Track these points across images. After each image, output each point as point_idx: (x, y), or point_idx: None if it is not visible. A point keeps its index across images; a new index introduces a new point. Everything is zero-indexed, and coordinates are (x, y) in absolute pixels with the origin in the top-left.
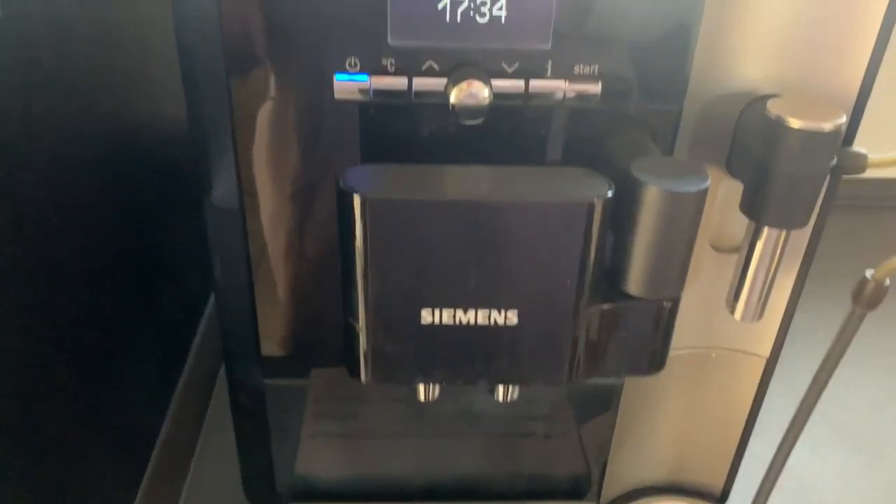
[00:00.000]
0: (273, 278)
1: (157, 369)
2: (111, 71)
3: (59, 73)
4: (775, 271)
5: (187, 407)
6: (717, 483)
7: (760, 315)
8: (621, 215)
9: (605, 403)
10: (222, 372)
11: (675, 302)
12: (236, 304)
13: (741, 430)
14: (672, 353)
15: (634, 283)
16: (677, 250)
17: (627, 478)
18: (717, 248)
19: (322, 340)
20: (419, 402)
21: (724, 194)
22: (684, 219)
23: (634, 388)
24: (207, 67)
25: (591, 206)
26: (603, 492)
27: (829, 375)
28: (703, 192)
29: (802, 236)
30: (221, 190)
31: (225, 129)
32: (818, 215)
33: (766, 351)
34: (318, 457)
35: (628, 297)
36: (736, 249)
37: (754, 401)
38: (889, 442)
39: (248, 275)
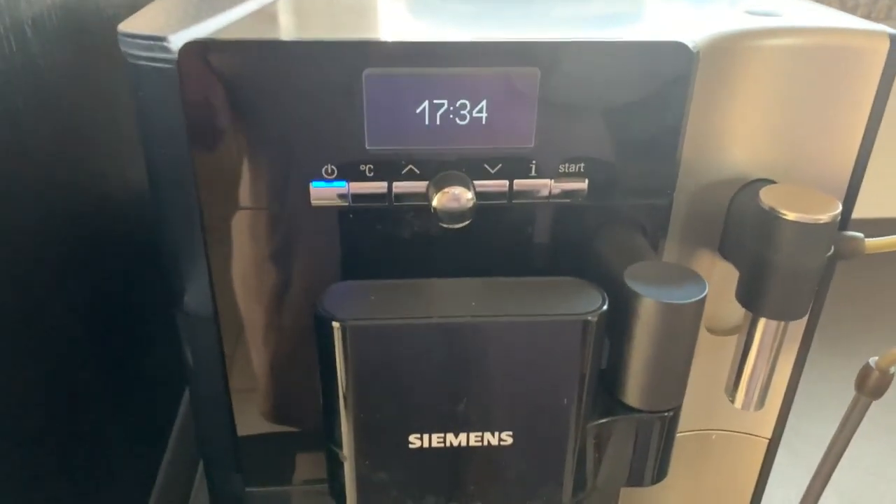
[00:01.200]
0: (251, 387)
1: (133, 469)
2: (87, 164)
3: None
4: (774, 360)
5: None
6: None
7: (762, 404)
8: (616, 324)
9: (604, 495)
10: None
11: (677, 411)
12: (213, 413)
13: None
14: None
15: (634, 394)
16: (676, 361)
17: None
18: (713, 332)
19: (304, 448)
20: None
21: (717, 278)
22: (682, 329)
23: None
24: (175, 176)
25: (587, 324)
26: None
27: (835, 463)
28: (701, 302)
29: (800, 321)
30: (194, 298)
31: (197, 237)
32: (815, 300)
33: (768, 433)
34: None
35: (628, 408)
36: (732, 332)
37: (758, 482)
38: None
39: (226, 386)
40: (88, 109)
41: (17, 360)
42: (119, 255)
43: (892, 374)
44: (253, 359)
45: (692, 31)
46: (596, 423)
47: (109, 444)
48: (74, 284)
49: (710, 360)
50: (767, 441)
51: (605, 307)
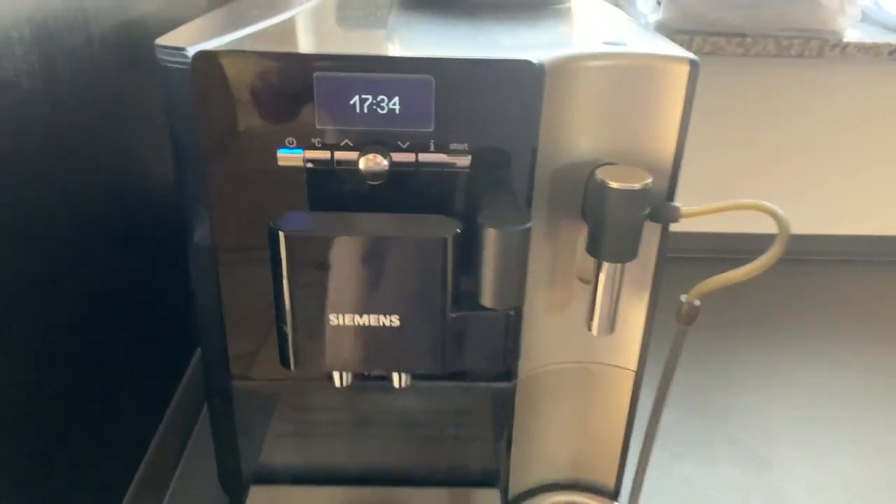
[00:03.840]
0: (238, 303)
1: (155, 383)
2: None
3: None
4: (618, 294)
5: (182, 411)
6: (610, 480)
7: (612, 330)
8: (476, 249)
9: (502, 407)
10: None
11: (518, 311)
12: (211, 324)
13: (623, 434)
14: (558, 366)
15: (486, 297)
16: (513, 272)
17: (533, 475)
18: (583, 281)
19: (275, 352)
20: (353, 409)
21: (583, 237)
22: (513, 249)
23: (529, 394)
24: (189, 151)
25: (445, 241)
26: (512, 487)
27: (669, 381)
28: (525, 231)
29: (647, 267)
30: (199, 232)
31: (201, 188)
32: (658, 252)
33: (634, 365)
34: (274, 450)
35: (484, 308)
36: None
37: (630, 408)
38: (781, 459)
39: (219, 299)
40: (133, 106)
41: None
42: (145, 226)
43: (698, 305)
44: (240, 280)
45: (544, 53)
46: (459, 314)
47: (126, 384)
48: (113, 244)
49: (584, 304)
50: (634, 373)
51: (458, 231)
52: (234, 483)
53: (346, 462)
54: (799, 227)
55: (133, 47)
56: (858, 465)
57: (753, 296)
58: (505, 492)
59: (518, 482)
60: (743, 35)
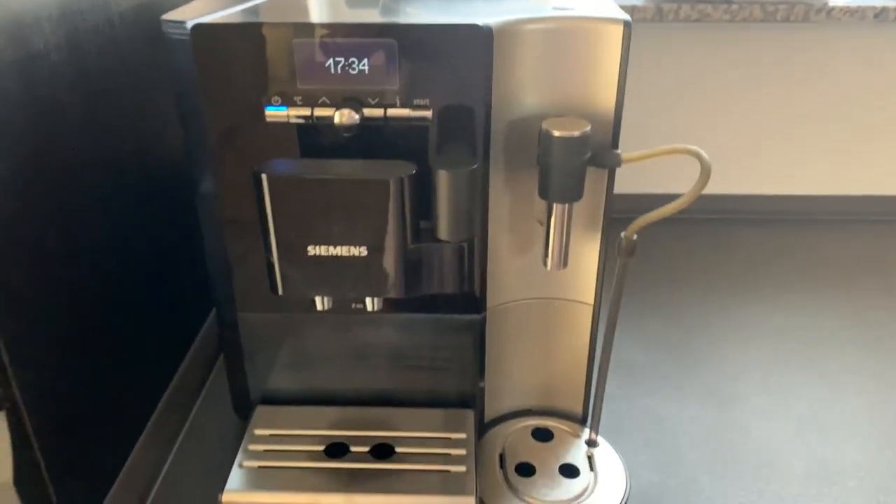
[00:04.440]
0: (240, 249)
1: (179, 320)
2: (137, 116)
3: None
4: (568, 232)
5: (197, 361)
6: (578, 407)
7: (564, 265)
8: (433, 189)
9: (474, 337)
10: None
11: (470, 243)
12: (217, 264)
13: (586, 363)
14: (524, 301)
15: (441, 231)
16: (463, 209)
17: (509, 402)
18: (541, 223)
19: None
20: (343, 338)
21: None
22: (462, 188)
23: (499, 327)
24: (193, 112)
25: (401, 180)
26: (487, 414)
27: (618, 309)
28: (472, 171)
29: (597, 210)
30: (205, 183)
31: (204, 142)
32: (607, 195)
33: (591, 299)
34: (276, 375)
35: (441, 240)
36: None
37: (590, 339)
38: (742, 395)
39: (223, 242)
40: (149, 78)
41: (101, 255)
42: (162, 187)
43: (635, 239)
44: (240, 224)
45: (492, 19)
46: (417, 246)
47: (151, 329)
48: (141, 208)
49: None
50: (591, 306)
51: (413, 172)
52: (245, 406)
53: (340, 387)
54: (787, 188)
55: (148, 25)
56: (813, 400)
57: (736, 255)
58: (480, 414)
59: (494, 409)
60: (729, 2)
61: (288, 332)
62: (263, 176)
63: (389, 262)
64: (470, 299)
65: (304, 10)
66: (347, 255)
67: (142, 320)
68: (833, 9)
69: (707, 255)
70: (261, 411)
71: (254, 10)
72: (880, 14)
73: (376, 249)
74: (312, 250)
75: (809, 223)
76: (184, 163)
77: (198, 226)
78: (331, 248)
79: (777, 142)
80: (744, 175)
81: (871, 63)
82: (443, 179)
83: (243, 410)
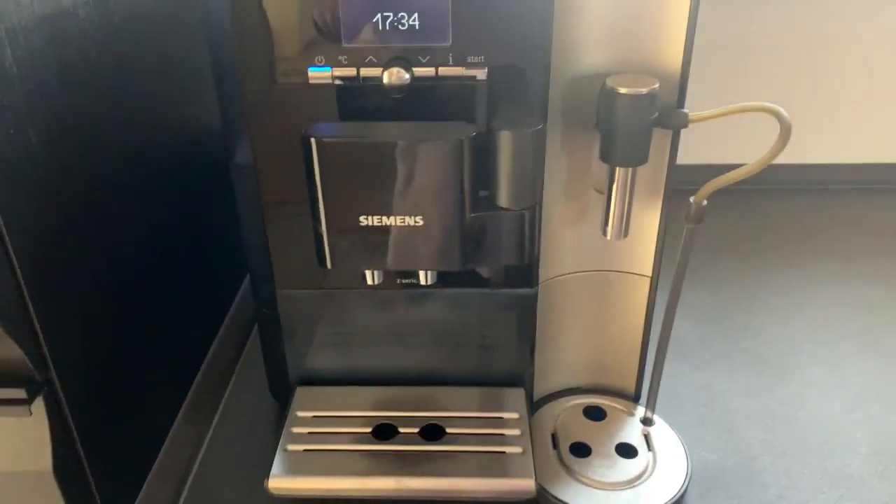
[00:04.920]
0: (279, 221)
1: (210, 300)
2: (169, 90)
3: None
4: (630, 199)
5: (229, 341)
6: (630, 385)
7: (625, 234)
8: (492, 152)
9: (525, 312)
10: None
11: (532, 210)
12: (255, 239)
13: (641, 339)
14: (577, 274)
15: (502, 197)
16: (526, 173)
17: (557, 380)
18: (598, 191)
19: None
20: (388, 315)
21: (598, 150)
22: (526, 150)
23: (550, 302)
24: (229, 76)
25: (461, 143)
26: (537, 390)
27: (682, 278)
28: (537, 132)
29: (659, 176)
30: (242, 152)
31: (241, 107)
32: (669, 160)
33: (649, 272)
34: (316, 355)
35: (501, 208)
36: None
37: (646, 314)
38: (795, 367)
39: (262, 219)
40: (175, 40)
41: (137, 235)
42: (197, 165)
43: (704, 205)
44: (279, 195)
45: None
46: (477, 214)
47: (183, 307)
48: (173, 183)
49: (600, 214)
50: (649, 279)
51: (473, 134)
52: (282, 388)
53: (383, 366)
54: (818, 156)
55: None
56: (870, 372)
57: (775, 224)
58: (530, 393)
59: (542, 387)
60: None
61: (329, 309)
62: (312, 140)
63: (447, 232)
64: (522, 273)
65: None
66: (402, 224)
67: (174, 303)
68: None
69: (746, 225)
70: (301, 392)
71: None
72: None
73: (434, 219)
74: (365, 220)
75: (841, 192)
76: (218, 131)
77: (230, 199)
78: (384, 217)
79: (801, 108)
80: (739, 142)
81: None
82: (505, 141)
83: (281, 392)
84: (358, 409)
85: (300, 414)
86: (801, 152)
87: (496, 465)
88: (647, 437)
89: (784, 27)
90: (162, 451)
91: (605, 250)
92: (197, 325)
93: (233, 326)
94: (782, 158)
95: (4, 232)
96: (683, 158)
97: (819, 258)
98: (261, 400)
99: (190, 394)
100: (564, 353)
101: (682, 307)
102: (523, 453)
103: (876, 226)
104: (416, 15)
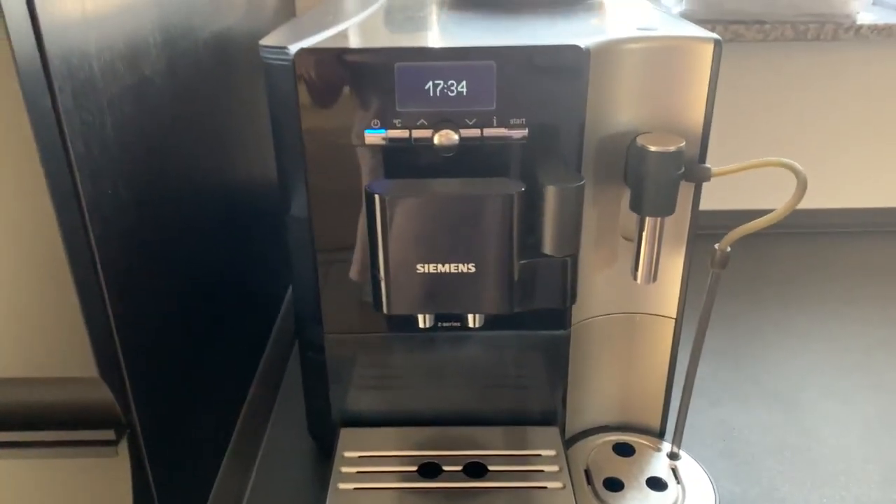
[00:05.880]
0: (330, 267)
1: (248, 344)
2: (227, 137)
3: (195, 142)
4: (659, 245)
5: (272, 366)
6: (656, 422)
7: (654, 279)
8: (538, 206)
9: (559, 353)
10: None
11: (574, 258)
12: (306, 285)
13: (665, 378)
14: (606, 316)
15: (548, 245)
16: (570, 223)
17: (586, 418)
18: (627, 238)
19: (367, 308)
20: (429, 358)
21: (625, 200)
22: (570, 203)
23: (581, 343)
24: (288, 135)
25: (511, 197)
26: (567, 428)
27: (708, 318)
28: (580, 187)
29: (683, 225)
30: (297, 205)
31: (299, 167)
32: (692, 210)
33: (674, 313)
34: (361, 395)
35: (545, 255)
36: None
37: (671, 353)
38: (807, 401)
39: (314, 266)
40: (228, 97)
41: (192, 264)
42: (249, 202)
43: (729, 251)
44: (332, 251)
45: (588, 39)
46: (525, 261)
47: (237, 325)
48: (228, 217)
49: (629, 260)
50: (674, 320)
51: (522, 189)
52: (322, 428)
53: (423, 406)
54: (817, 202)
55: (225, 49)
56: (878, 404)
57: (777, 266)
58: (562, 431)
59: (572, 425)
60: (762, 22)
61: (373, 352)
62: (376, 196)
63: (498, 278)
64: (557, 315)
65: (391, 33)
66: (456, 271)
67: (221, 349)
68: (861, 27)
69: (752, 268)
70: (345, 433)
71: (343, 34)
72: None
73: (485, 266)
74: (422, 268)
75: (839, 235)
76: (269, 182)
77: (275, 248)
78: (440, 265)
79: (809, 154)
80: (781, 191)
81: None
82: (551, 195)
83: (320, 432)
84: (401, 449)
85: (347, 454)
86: (807, 199)
87: (539, 499)
88: (674, 470)
89: (794, 86)
90: (213, 491)
91: (632, 293)
92: (238, 369)
93: (269, 370)
94: (776, 204)
95: (105, 291)
96: (703, 204)
97: (822, 300)
98: (299, 439)
99: (234, 437)
100: (593, 392)
101: (689, 345)
102: (563, 488)
103: (879, 269)
104: (464, 82)
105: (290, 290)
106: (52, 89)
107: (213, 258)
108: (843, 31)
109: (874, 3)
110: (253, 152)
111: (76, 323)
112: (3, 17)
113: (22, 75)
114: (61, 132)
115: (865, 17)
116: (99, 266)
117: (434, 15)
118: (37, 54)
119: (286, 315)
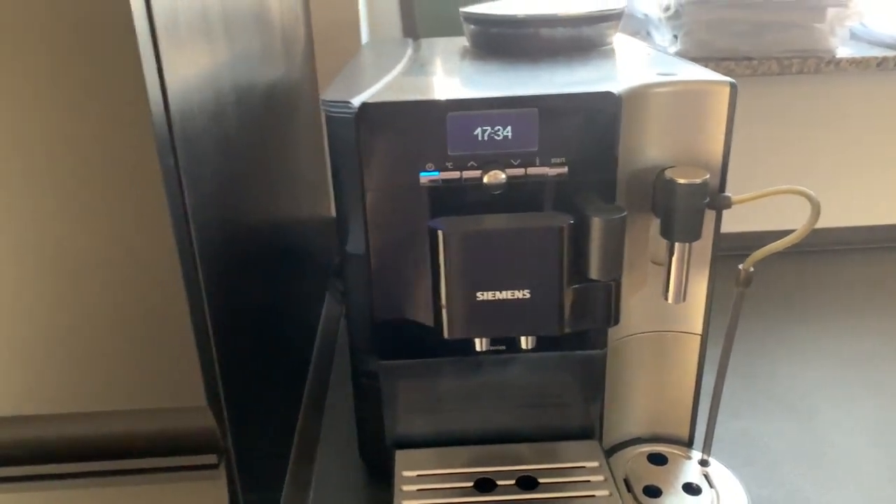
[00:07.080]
0: (385, 301)
1: (296, 371)
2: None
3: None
4: (687, 267)
5: (314, 397)
6: (684, 432)
7: (684, 299)
8: (583, 236)
9: (597, 371)
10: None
11: (618, 282)
12: (362, 316)
13: (693, 390)
14: (639, 335)
15: (594, 271)
16: (614, 250)
17: (621, 431)
18: (655, 263)
19: (417, 337)
20: (477, 380)
21: (654, 229)
22: (613, 233)
23: (615, 361)
24: (348, 180)
25: (562, 229)
26: (604, 440)
27: (731, 342)
28: (621, 219)
29: (706, 248)
30: (355, 243)
31: (359, 206)
32: (714, 235)
33: (699, 330)
34: (412, 419)
35: (592, 280)
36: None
37: (698, 366)
38: (818, 410)
39: (370, 294)
40: (284, 146)
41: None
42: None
43: (752, 271)
44: (388, 282)
45: (620, 85)
46: (575, 286)
47: (283, 354)
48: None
49: (658, 282)
50: (700, 336)
51: (571, 222)
52: (373, 451)
53: (472, 426)
54: (823, 221)
55: (274, 98)
56: (883, 410)
57: (783, 284)
58: (599, 444)
59: (608, 438)
60: (750, 58)
61: (426, 376)
62: (439, 232)
63: (551, 302)
64: (595, 336)
65: (437, 80)
66: (512, 298)
67: (278, 377)
68: (841, 60)
69: (767, 284)
70: (400, 455)
71: (393, 86)
72: (881, 63)
73: (538, 291)
74: (481, 295)
75: (828, 252)
76: (323, 227)
77: (314, 276)
78: (497, 292)
79: (797, 180)
80: (768, 212)
81: (878, 104)
82: (597, 226)
83: (371, 455)
84: (455, 467)
85: (406, 474)
86: (794, 219)
87: None
88: (706, 476)
89: (780, 116)
90: None
91: (661, 313)
92: (291, 397)
93: (312, 397)
94: (763, 226)
95: (210, 324)
96: (723, 227)
97: (830, 315)
98: (349, 463)
99: (289, 464)
100: (626, 406)
101: (713, 359)
102: (611, 496)
103: (876, 284)
104: (509, 128)
105: (321, 320)
106: (174, 151)
107: (279, 291)
108: (824, 65)
109: (851, 38)
110: (301, 193)
111: (190, 356)
112: (146, 88)
113: (157, 140)
114: (181, 186)
115: (844, 51)
116: (206, 302)
117: (464, 64)
118: (164, 121)
119: (321, 346)
